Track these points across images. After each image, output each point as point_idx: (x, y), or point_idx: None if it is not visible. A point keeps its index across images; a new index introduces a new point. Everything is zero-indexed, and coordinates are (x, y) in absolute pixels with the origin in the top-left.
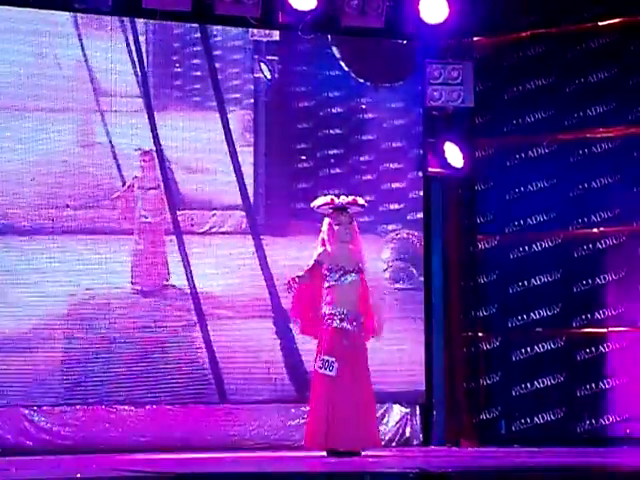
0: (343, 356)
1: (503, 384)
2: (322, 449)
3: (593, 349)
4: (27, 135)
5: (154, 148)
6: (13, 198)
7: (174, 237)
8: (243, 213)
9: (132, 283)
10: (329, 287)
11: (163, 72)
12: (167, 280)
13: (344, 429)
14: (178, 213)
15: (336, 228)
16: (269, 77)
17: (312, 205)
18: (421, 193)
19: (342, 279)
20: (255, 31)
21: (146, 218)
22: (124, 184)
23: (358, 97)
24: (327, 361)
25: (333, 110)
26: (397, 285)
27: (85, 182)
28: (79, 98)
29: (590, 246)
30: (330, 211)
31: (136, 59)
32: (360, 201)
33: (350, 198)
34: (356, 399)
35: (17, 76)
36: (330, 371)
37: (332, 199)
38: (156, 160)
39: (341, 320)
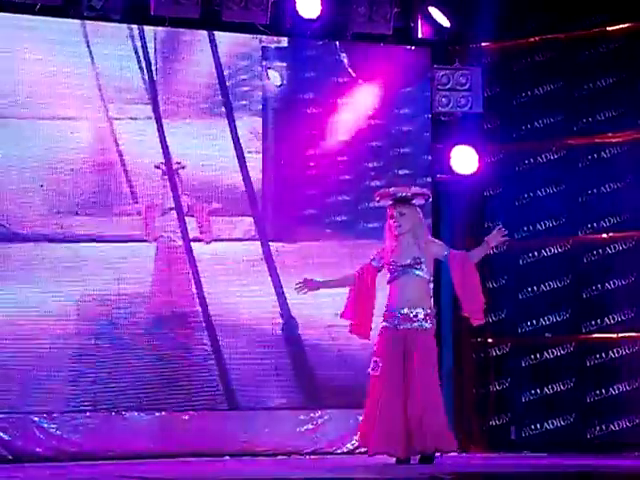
0: (393, 356)
1: (513, 390)
2: (370, 449)
3: (603, 355)
4: (36, 143)
5: (162, 155)
6: (23, 205)
7: (182, 244)
8: (252, 219)
9: (149, 315)
10: (388, 284)
11: (172, 79)
12: (187, 314)
13: (390, 433)
14: (186, 220)
15: (391, 222)
16: (277, 84)
17: (376, 199)
18: (430, 199)
19: (399, 275)
20: (263, 38)
21: (168, 240)
22: (133, 193)
23: (366, 103)
24: (374, 361)
25: (341, 116)
26: None
27: (94, 190)
28: (87, 106)
29: (600, 251)
30: (390, 203)
31: (145, 66)
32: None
33: (413, 189)
34: (405, 400)
35: (25, 84)
36: (375, 371)
37: (391, 191)
38: (178, 176)
39: (395, 318)
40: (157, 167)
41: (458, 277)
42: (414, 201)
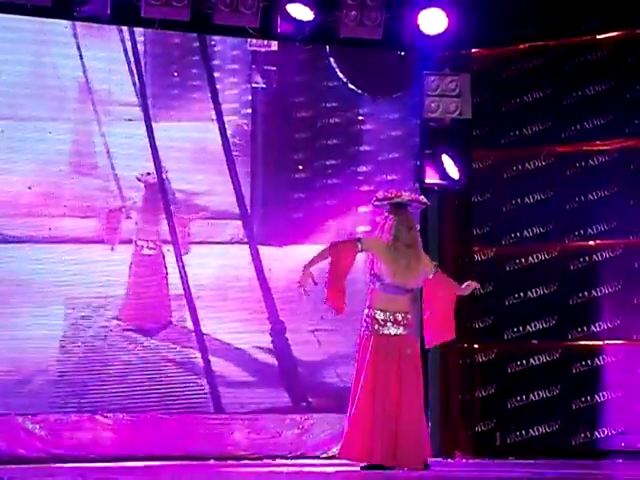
0: (376, 363)
1: (498, 396)
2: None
3: (589, 362)
4: (24, 143)
5: (151, 157)
6: (10, 206)
7: (170, 246)
8: (240, 223)
9: (123, 320)
10: (376, 289)
11: (161, 81)
12: (170, 318)
13: (363, 441)
14: (175, 223)
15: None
16: (267, 87)
17: (372, 200)
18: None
19: None
20: (253, 41)
21: (142, 249)
22: (122, 196)
23: (355, 108)
24: None
25: (330, 120)
26: None
27: (82, 192)
28: (77, 107)
29: (586, 258)
30: (387, 207)
31: (134, 68)
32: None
33: (413, 195)
34: (381, 411)
35: (15, 85)
36: None
37: (392, 193)
38: (167, 179)
39: (382, 324)
40: (139, 180)
41: None
42: (411, 208)
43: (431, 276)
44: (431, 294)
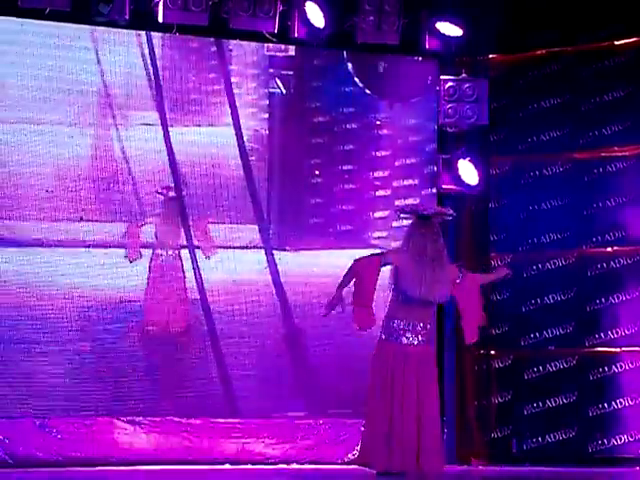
0: (390, 372)
1: (515, 402)
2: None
3: (606, 368)
4: (43, 148)
5: (168, 162)
6: (28, 210)
7: (186, 250)
8: (256, 227)
9: (149, 325)
10: (398, 300)
11: (179, 86)
12: (187, 322)
13: (381, 448)
14: (191, 227)
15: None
16: (284, 92)
17: (397, 213)
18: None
19: None
20: (271, 46)
21: (161, 253)
22: (139, 200)
23: (372, 113)
24: None
25: (347, 126)
26: None
27: (100, 196)
28: (95, 112)
29: (604, 265)
30: (414, 219)
31: (152, 73)
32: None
33: (440, 208)
34: (399, 419)
35: (33, 89)
36: None
37: (417, 206)
38: (184, 184)
39: (401, 333)
40: (159, 193)
41: None
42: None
43: (458, 281)
44: (462, 297)
